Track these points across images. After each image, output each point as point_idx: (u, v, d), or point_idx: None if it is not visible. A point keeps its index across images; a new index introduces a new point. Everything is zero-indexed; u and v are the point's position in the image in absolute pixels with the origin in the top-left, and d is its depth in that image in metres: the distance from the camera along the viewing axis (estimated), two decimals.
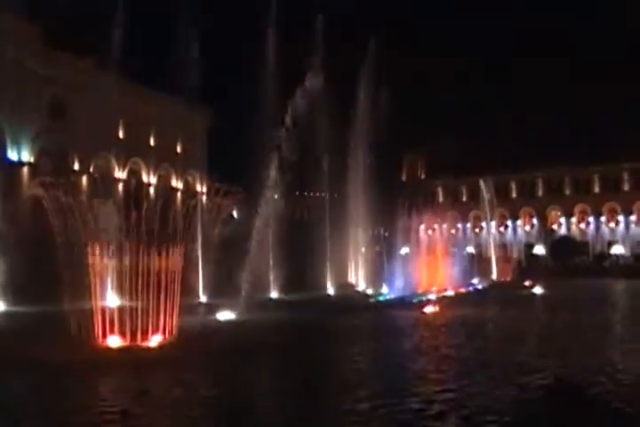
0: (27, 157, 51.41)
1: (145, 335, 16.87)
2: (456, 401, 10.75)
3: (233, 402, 11.32)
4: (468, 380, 12.60)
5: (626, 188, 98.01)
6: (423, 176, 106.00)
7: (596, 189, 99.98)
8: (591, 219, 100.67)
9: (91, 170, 52.78)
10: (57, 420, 10.14)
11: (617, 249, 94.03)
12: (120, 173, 57.47)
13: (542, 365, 14.36)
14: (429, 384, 12.39)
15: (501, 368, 14.06)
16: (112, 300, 19.28)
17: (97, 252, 17.87)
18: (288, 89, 46.15)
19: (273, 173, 39.29)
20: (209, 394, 12.13)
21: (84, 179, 51.84)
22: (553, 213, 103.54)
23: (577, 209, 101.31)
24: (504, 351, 17.11)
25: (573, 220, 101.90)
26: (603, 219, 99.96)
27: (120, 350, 16.21)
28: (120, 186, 55.88)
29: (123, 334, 16.79)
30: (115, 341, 16.67)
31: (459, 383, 12.30)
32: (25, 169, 50.82)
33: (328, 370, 14.87)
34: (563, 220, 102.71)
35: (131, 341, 16.73)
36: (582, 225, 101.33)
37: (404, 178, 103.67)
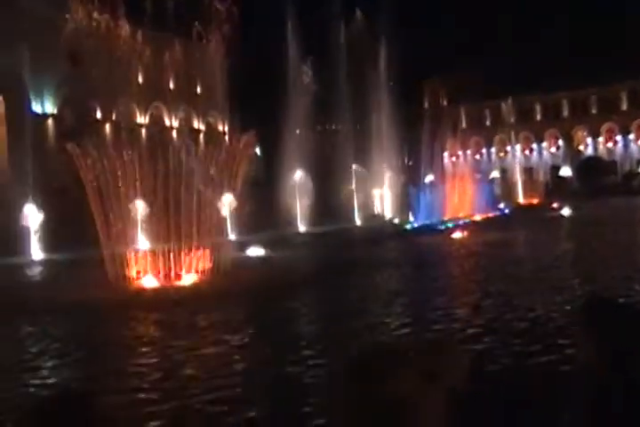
0: (50, 108, 51.72)
1: (179, 275, 17.39)
2: None
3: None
4: None
5: None
6: (445, 103, 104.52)
7: (624, 107, 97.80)
8: (619, 138, 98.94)
9: (113, 118, 53.03)
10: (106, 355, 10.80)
11: None
12: (142, 119, 57.61)
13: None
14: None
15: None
16: (144, 242, 19.79)
17: (128, 196, 18.31)
18: (307, 27, 45.76)
19: (296, 107, 39.10)
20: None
21: (107, 127, 52.18)
22: (579, 133, 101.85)
23: (604, 128, 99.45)
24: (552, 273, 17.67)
25: (600, 139, 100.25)
26: (631, 137, 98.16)
27: (155, 290, 16.68)
28: (143, 131, 56.05)
29: (157, 274, 17.32)
30: (150, 281, 17.16)
31: None
32: (49, 121, 51.20)
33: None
34: (589, 140, 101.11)
35: (165, 281, 17.26)
36: (610, 144, 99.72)
37: (426, 106, 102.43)
